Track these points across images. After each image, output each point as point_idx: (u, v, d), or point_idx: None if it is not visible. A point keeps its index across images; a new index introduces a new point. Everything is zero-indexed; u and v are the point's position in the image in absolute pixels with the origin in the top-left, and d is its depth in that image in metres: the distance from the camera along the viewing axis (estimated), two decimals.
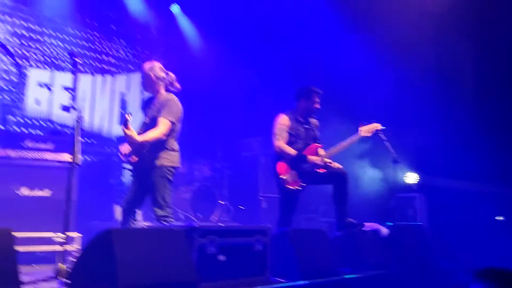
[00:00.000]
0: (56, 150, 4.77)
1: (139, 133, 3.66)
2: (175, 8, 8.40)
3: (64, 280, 2.76)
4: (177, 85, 4.04)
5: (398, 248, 4.32)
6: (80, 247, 4.64)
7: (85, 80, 7.31)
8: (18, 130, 6.38)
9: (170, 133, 3.74)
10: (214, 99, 8.16)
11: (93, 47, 7.49)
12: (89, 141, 7.11)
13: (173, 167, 3.77)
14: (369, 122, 4.48)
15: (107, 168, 6.37)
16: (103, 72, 7.53)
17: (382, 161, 6.08)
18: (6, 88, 6.44)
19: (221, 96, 8.14)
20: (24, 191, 4.49)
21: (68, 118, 6.97)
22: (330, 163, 4.33)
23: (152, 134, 3.62)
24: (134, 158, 3.77)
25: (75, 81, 3.29)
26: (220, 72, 8.15)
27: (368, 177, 6.82)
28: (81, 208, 4.74)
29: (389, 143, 4.67)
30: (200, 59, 8.31)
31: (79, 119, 3.26)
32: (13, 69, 6.55)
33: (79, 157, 3.20)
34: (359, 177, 6.80)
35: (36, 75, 6.80)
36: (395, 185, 5.31)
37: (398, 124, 5.89)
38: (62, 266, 2.85)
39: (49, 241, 4.44)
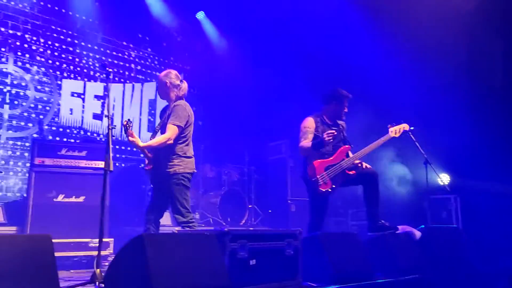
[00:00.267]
0: (89, 157, 4.92)
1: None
2: (200, 15, 8.51)
3: (100, 284, 2.82)
4: (184, 94, 4.03)
5: (432, 251, 4.22)
6: (113, 252, 4.75)
7: (116, 88, 7.49)
8: (53, 139, 6.59)
9: (180, 139, 3.76)
10: (241, 104, 8.21)
11: (121, 56, 7.68)
12: (121, 148, 7.27)
13: (188, 173, 3.77)
14: (398, 123, 4.43)
15: (138, 174, 6.49)
16: (132, 80, 7.70)
17: (413, 162, 5.97)
18: (43, 99, 6.68)
19: (248, 100, 8.19)
20: (61, 198, 4.64)
21: (100, 126, 7.17)
22: (360, 164, 4.30)
23: (157, 139, 3.68)
24: (149, 166, 3.82)
25: (107, 90, 3.37)
26: (246, 76, 8.21)
27: (399, 178, 6.70)
28: (113, 214, 4.85)
29: (420, 144, 4.59)
30: (227, 64, 8.38)
31: (111, 127, 3.33)
32: (48, 80, 6.78)
33: (112, 164, 3.27)
34: (390, 179, 6.69)
35: (69, 85, 7.02)
36: (428, 186, 5.19)
37: (429, 124, 5.78)
38: (98, 271, 2.91)
39: (84, 246, 4.57)
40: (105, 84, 7.09)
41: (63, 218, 4.56)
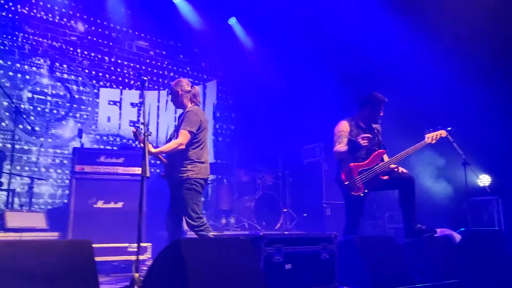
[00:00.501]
0: (127, 164, 5.06)
1: None
2: (232, 20, 8.58)
3: None
4: (199, 98, 4.10)
5: (473, 255, 4.09)
6: (150, 256, 4.85)
7: (151, 95, 7.68)
8: (92, 146, 6.82)
9: (193, 144, 3.78)
10: (275, 107, 8.23)
11: (155, 63, 7.87)
12: None
13: (201, 179, 3.78)
14: (436, 129, 4.33)
15: None
16: (166, 86, 7.86)
17: (452, 163, 5.80)
18: (82, 108, 6.92)
19: (281, 104, 8.19)
20: (100, 204, 4.78)
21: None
22: (396, 168, 4.24)
23: (168, 145, 3.74)
24: (164, 172, 3.89)
25: (143, 98, 3.47)
26: (279, 80, 8.22)
27: (437, 180, 6.53)
28: (150, 219, 4.96)
29: (458, 144, 4.47)
30: (259, 68, 8.41)
31: (147, 134, 3.41)
32: (87, 89, 7.03)
33: (148, 170, 3.34)
34: (428, 181, 6.53)
35: (106, 93, 7.24)
36: (467, 188, 5.02)
37: (467, 123, 5.59)
38: (137, 275, 2.97)
39: (123, 251, 4.69)
40: (140, 91, 7.28)
41: (103, 224, 4.70)
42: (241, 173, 7.22)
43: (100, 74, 7.21)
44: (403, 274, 3.57)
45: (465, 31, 6.25)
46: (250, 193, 7.04)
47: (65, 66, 6.82)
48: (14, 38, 6.36)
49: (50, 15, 6.74)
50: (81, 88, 6.96)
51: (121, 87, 7.40)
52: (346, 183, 4.14)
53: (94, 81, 7.12)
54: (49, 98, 6.61)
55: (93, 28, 7.17)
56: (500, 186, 5.93)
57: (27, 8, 6.51)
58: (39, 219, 4.69)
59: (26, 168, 6.18)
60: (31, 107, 6.41)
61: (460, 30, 6.31)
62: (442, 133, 4.34)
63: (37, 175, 5.84)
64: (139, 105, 7.50)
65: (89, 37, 7.12)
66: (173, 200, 3.87)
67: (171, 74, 7.97)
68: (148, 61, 7.77)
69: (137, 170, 4.92)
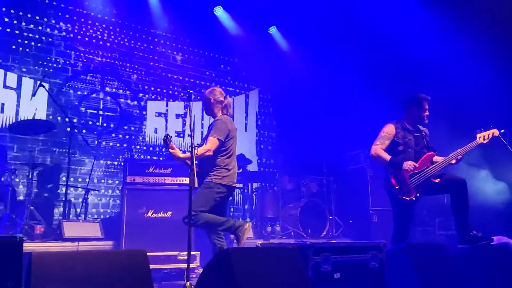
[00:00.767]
0: (174, 174, 5.20)
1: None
2: (272, 30, 8.65)
3: None
4: (230, 110, 4.17)
5: None
6: (199, 264, 4.95)
7: (195, 106, 7.86)
8: (141, 157, 7.08)
9: (221, 152, 3.88)
10: (318, 114, 8.19)
11: (199, 74, 8.06)
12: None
13: (223, 185, 3.82)
14: (487, 128, 4.17)
15: None
16: None
17: (506, 167, 5.56)
18: (131, 120, 7.21)
19: (324, 110, 8.15)
20: (150, 214, 4.94)
21: (182, 143, 7.56)
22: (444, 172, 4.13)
23: (196, 151, 3.77)
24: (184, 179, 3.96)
25: (189, 111, 3.58)
26: (322, 86, 8.19)
27: (491, 184, 6.25)
28: (197, 227, 5.05)
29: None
30: (301, 75, 8.41)
31: (195, 145, 3.52)
32: (135, 103, 7.31)
33: (196, 181, 3.43)
34: (480, 185, 6.27)
35: (153, 106, 7.50)
36: None
37: None
38: (188, 284, 3.05)
39: (173, 259, 4.82)
40: (187, 103, 7.49)
41: (153, 233, 4.84)
42: (285, 181, 7.23)
43: (147, 87, 7.47)
44: (456, 284, 3.45)
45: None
46: (294, 201, 7.03)
47: (115, 81, 7.13)
48: (67, 57, 6.73)
49: (99, 33, 7.07)
50: (129, 101, 7.25)
51: (165, 99, 7.64)
52: (397, 187, 4.07)
53: (141, 94, 7.39)
54: (100, 112, 6.93)
55: (138, 43, 7.46)
56: None
57: (76, 27, 6.86)
58: (94, 228, 4.90)
59: (80, 180, 6.50)
60: (84, 122, 6.74)
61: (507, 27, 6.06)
62: (495, 132, 4.17)
63: (91, 186, 6.11)
64: (183, 115, 7.71)
65: (135, 52, 7.41)
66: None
67: (213, 84, 8.13)
68: (191, 72, 7.98)
69: (185, 180, 5.04)
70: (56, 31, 6.68)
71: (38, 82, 5.66)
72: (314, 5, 7.48)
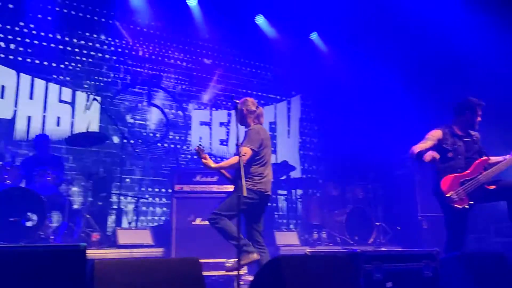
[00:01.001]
0: (220, 182, 5.28)
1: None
2: (313, 36, 8.64)
3: None
4: (262, 120, 4.21)
5: None
6: (247, 272, 4.99)
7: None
8: (188, 166, 7.24)
9: (255, 161, 3.91)
10: (361, 118, 8.09)
11: (242, 84, 8.18)
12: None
13: (253, 191, 3.82)
14: None
15: None
16: None
17: None
18: (176, 130, 7.41)
19: (367, 114, 8.04)
20: (198, 221, 5.05)
21: (226, 151, 7.68)
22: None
23: (228, 160, 3.88)
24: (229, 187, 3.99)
25: (237, 121, 3.66)
26: (366, 91, 8.09)
27: None
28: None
29: None
30: (344, 81, 8.35)
31: (242, 154, 3.59)
32: (180, 113, 7.51)
33: (245, 189, 3.49)
34: None
35: (197, 115, 7.67)
36: None
37: None
38: None
39: (221, 266, 4.88)
40: (229, 111, 7.67)
41: (201, 240, 4.94)
42: (330, 187, 7.17)
43: (191, 96, 7.66)
44: None
45: None
46: (340, 207, 6.96)
47: (160, 92, 7.36)
48: (117, 71, 7.02)
49: (144, 47, 7.32)
50: (174, 111, 7.46)
51: (209, 108, 7.79)
52: (448, 195, 3.93)
53: (184, 104, 7.58)
54: (147, 122, 7.17)
55: (182, 55, 7.67)
56: None
57: (124, 42, 7.14)
58: (145, 236, 5.06)
59: (130, 188, 6.74)
60: (133, 132, 7.00)
61: None
62: None
63: (141, 195, 6.32)
64: (226, 124, 7.83)
65: (178, 62, 7.62)
66: (244, 215, 3.95)
67: (254, 92, 8.21)
68: (234, 81, 8.10)
69: (230, 188, 5.10)
70: (105, 46, 6.98)
71: (92, 96, 5.95)
72: (352, 6, 7.41)
